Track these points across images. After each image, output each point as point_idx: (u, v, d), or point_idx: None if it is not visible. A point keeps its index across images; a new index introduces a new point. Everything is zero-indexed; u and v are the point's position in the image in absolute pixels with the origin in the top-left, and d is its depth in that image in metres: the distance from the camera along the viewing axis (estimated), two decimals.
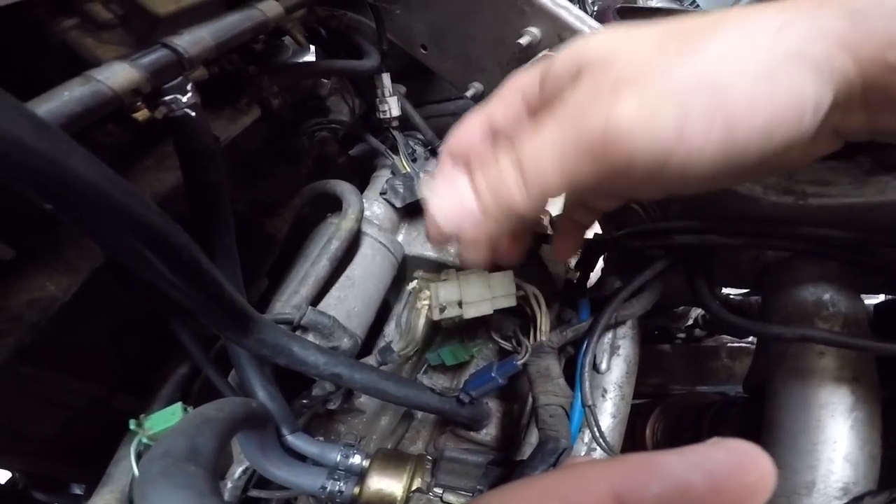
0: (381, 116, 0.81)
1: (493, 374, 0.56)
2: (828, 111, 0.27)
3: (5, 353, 0.39)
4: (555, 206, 0.72)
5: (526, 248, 0.45)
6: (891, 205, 0.50)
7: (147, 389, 0.58)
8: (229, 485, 0.56)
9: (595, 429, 0.59)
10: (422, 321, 0.57)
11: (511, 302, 0.57)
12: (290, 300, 0.59)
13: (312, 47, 0.68)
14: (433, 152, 0.85)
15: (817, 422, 0.54)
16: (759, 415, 0.62)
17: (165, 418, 0.49)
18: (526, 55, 0.64)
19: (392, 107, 0.80)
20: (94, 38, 0.36)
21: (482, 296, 0.56)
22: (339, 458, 0.54)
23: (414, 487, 0.53)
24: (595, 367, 0.66)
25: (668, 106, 0.27)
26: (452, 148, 0.39)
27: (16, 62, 0.35)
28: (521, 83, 0.37)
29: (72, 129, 0.30)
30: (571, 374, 0.62)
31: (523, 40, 0.62)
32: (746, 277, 0.68)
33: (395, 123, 0.82)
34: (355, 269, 0.66)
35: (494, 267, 0.53)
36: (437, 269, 0.75)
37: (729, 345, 1.16)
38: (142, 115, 0.37)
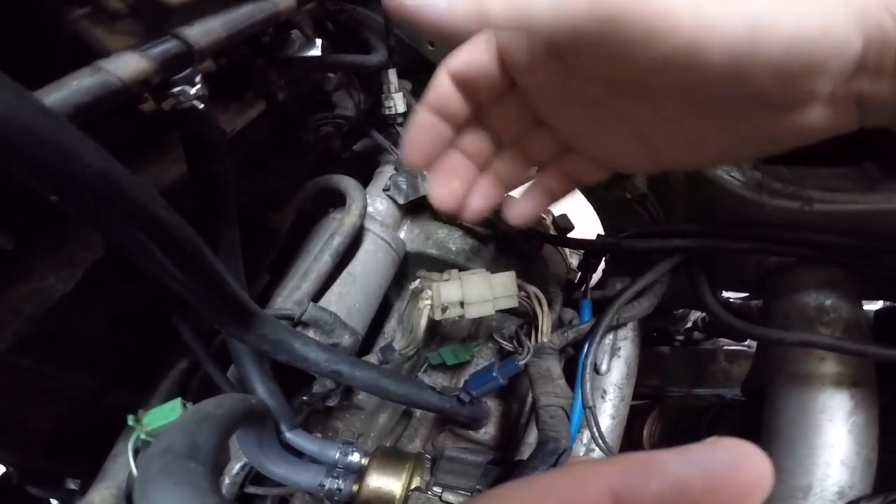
0: (387, 112, 0.80)
1: (494, 374, 0.56)
2: (855, 69, 0.26)
3: (3, 344, 0.38)
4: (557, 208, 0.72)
5: (495, 201, 0.39)
6: None
7: (145, 384, 0.58)
8: (227, 481, 0.55)
9: (594, 430, 0.59)
10: (423, 321, 0.57)
11: (513, 302, 0.57)
12: (291, 295, 0.59)
13: (319, 41, 0.67)
14: None
15: (816, 426, 0.55)
16: (757, 418, 0.62)
17: (164, 414, 0.49)
18: None
19: (398, 103, 0.80)
20: (104, 28, 0.35)
21: (484, 296, 0.56)
22: (337, 455, 0.53)
23: (413, 486, 0.52)
24: (595, 369, 0.66)
25: None
26: None
27: (26, 51, 0.34)
28: None
29: (80, 119, 0.30)
30: (571, 375, 0.62)
31: None
32: (749, 281, 0.68)
33: (400, 120, 0.82)
34: (357, 265, 0.66)
35: (451, 219, 0.46)
36: (440, 266, 0.75)
37: (727, 348, 1.16)
38: (147, 106, 0.37)
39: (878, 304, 0.77)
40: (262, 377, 0.51)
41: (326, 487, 0.52)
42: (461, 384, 0.59)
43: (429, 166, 0.35)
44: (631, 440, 0.95)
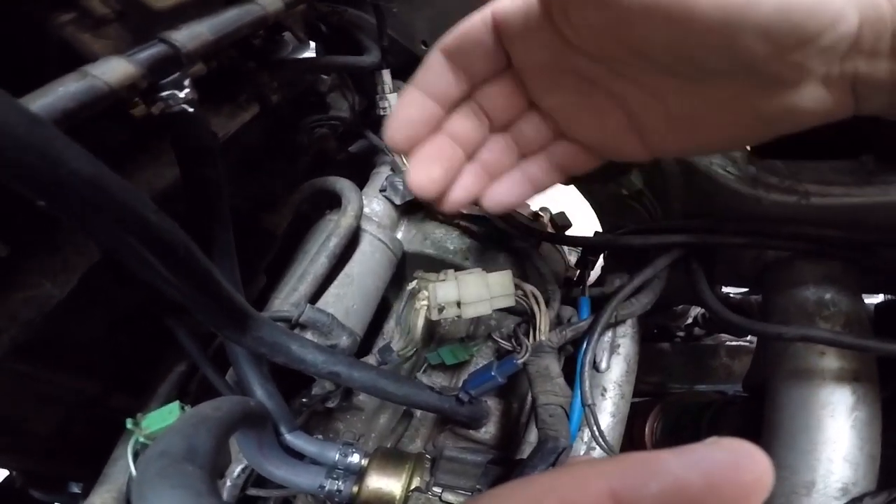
0: (382, 113, 0.80)
1: (492, 373, 0.56)
2: (850, 48, 0.26)
3: (1, 350, 0.38)
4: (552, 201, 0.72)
5: (477, 195, 0.36)
6: (893, 205, 0.49)
7: (144, 388, 0.58)
8: (228, 483, 0.55)
9: (594, 428, 0.59)
10: (420, 321, 0.57)
11: (510, 301, 0.57)
12: (288, 297, 0.59)
13: (312, 43, 0.67)
14: None
15: (817, 422, 0.54)
16: (758, 414, 0.62)
17: (162, 417, 0.49)
18: None
19: (392, 103, 0.80)
20: (90, 32, 0.35)
21: (480, 295, 0.56)
22: (337, 456, 0.53)
23: (413, 486, 0.52)
24: (595, 366, 0.66)
25: None
26: None
27: (12, 57, 0.34)
28: None
29: (67, 125, 0.30)
30: (571, 373, 0.61)
31: None
32: (747, 276, 0.67)
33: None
34: (354, 266, 0.66)
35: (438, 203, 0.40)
36: (438, 266, 0.75)
37: (728, 343, 1.16)
38: (138, 111, 0.37)
39: (878, 298, 0.76)
40: (261, 379, 0.51)
41: (326, 489, 0.52)
42: (461, 384, 0.59)
43: (412, 148, 0.33)
44: (632, 438, 0.95)
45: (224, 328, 0.42)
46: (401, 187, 0.76)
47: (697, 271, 0.63)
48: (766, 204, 0.55)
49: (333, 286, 0.63)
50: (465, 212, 0.76)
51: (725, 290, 1.02)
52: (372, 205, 0.75)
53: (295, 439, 0.53)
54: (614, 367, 0.66)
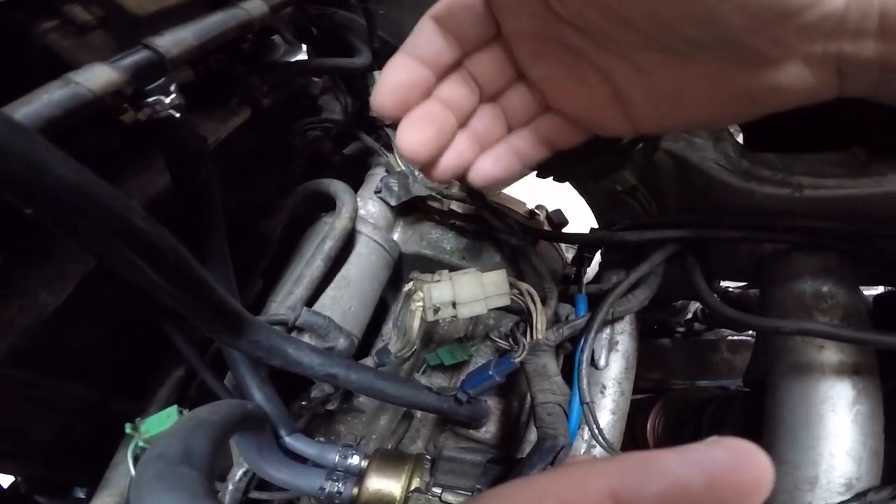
0: (375, 114, 0.80)
1: (490, 373, 0.56)
2: (835, 28, 0.25)
3: None
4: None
5: (468, 162, 0.36)
6: (887, 196, 0.49)
7: (143, 392, 0.58)
8: (230, 487, 0.55)
9: (594, 426, 0.59)
10: (416, 323, 0.57)
11: (505, 301, 0.57)
12: (284, 301, 0.59)
13: (304, 46, 0.67)
14: None
15: (818, 416, 0.54)
16: (760, 409, 0.61)
17: (161, 421, 0.49)
18: None
19: None
20: (74, 40, 0.35)
21: (476, 295, 0.55)
22: (337, 458, 0.54)
23: (413, 487, 0.52)
24: (593, 364, 0.65)
25: None
26: None
27: None
28: None
29: (51, 133, 0.30)
30: (570, 370, 0.61)
31: None
32: (744, 270, 0.67)
33: (388, 121, 0.82)
34: (350, 268, 0.66)
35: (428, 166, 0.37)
36: (435, 266, 0.75)
37: (729, 338, 1.16)
38: (128, 117, 0.37)
39: (878, 290, 0.76)
40: (259, 383, 0.51)
41: (327, 491, 0.52)
42: (460, 384, 0.59)
43: (402, 114, 0.32)
44: (634, 435, 0.95)
45: (219, 333, 0.42)
46: (396, 188, 0.76)
47: (693, 266, 0.62)
48: (760, 197, 0.55)
49: (330, 288, 0.63)
50: (460, 211, 0.76)
51: (725, 284, 1.01)
52: (367, 206, 0.76)
53: (294, 442, 0.53)
54: (613, 364, 0.66)
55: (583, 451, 0.62)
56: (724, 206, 0.57)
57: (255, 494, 0.58)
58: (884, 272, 0.62)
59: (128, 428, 0.48)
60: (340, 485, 0.53)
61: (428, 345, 0.73)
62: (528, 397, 0.68)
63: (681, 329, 1.20)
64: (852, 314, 0.57)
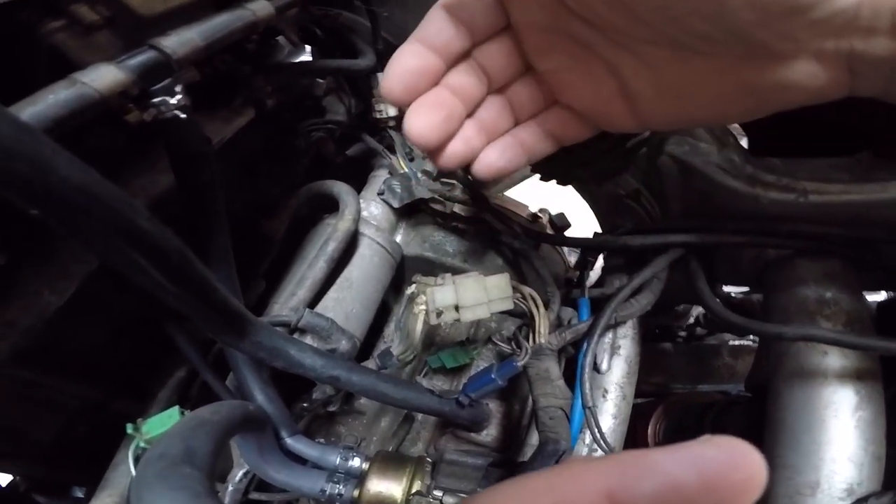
0: (378, 116, 0.81)
1: (492, 376, 0.56)
2: (846, 24, 0.25)
3: (1, 357, 0.39)
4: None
5: (475, 150, 0.35)
6: (892, 202, 0.49)
7: (145, 393, 0.58)
8: (230, 488, 0.55)
9: (595, 430, 0.59)
10: (419, 326, 0.57)
11: (508, 305, 0.57)
12: (287, 302, 0.59)
13: (308, 47, 0.67)
14: None
15: (821, 422, 0.54)
16: (762, 414, 0.61)
17: (163, 422, 0.49)
18: None
19: (389, 106, 0.80)
20: (80, 40, 0.35)
21: (478, 299, 0.55)
22: (338, 460, 0.53)
23: (413, 490, 0.52)
24: (595, 368, 0.65)
25: None
26: None
27: (3, 65, 0.34)
28: None
29: (57, 133, 0.30)
30: (572, 374, 0.61)
31: None
32: (747, 275, 0.67)
33: (391, 123, 0.82)
34: (353, 270, 0.66)
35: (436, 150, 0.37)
36: (437, 269, 0.75)
37: (731, 343, 1.15)
38: (133, 116, 0.37)
39: (881, 296, 0.76)
40: (261, 384, 0.51)
41: (327, 492, 0.52)
42: (461, 387, 0.59)
43: (410, 99, 0.32)
44: (635, 439, 0.94)
45: (222, 334, 0.42)
46: (399, 190, 0.76)
47: (697, 271, 0.62)
48: (765, 202, 0.54)
49: (332, 290, 0.63)
50: (462, 213, 0.76)
51: (727, 289, 1.01)
52: (370, 208, 0.76)
53: (295, 443, 0.53)
54: (615, 368, 0.66)
55: (584, 455, 0.62)
56: (729, 211, 0.57)
57: (254, 495, 0.57)
58: (887, 278, 0.62)
59: (129, 428, 0.48)
60: (341, 487, 0.52)
61: (429, 348, 0.72)
62: (530, 401, 0.68)
63: (682, 333, 1.20)
64: (856, 320, 0.56)
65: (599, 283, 0.75)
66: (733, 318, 0.58)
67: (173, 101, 0.39)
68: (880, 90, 0.28)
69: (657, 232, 0.63)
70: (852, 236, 0.53)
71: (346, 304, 0.63)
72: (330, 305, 0.62)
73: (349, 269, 0.66)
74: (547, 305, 0.62)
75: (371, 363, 0.63)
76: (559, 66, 0.34)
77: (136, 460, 0.48)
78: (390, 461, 0.54)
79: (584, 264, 0.73)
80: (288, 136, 0.75)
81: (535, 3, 0.31)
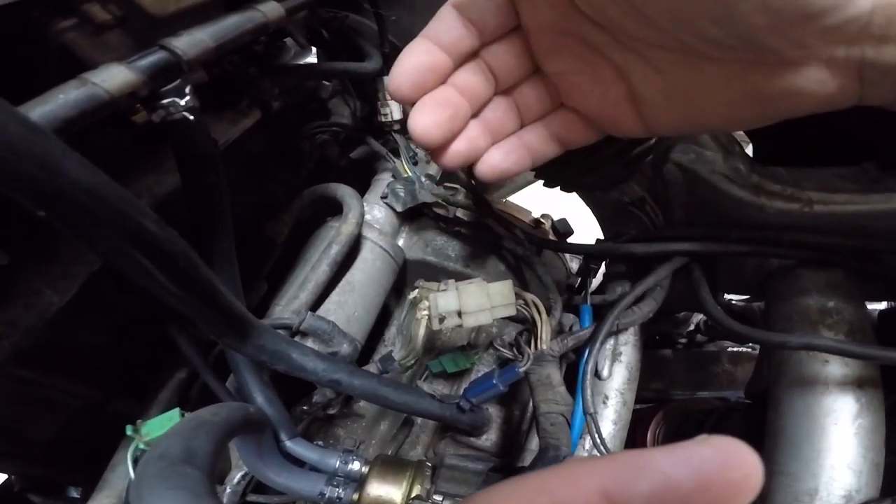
0: (383, 119, 0.81)
1: (494, 382, 0.56)
2: (859, 32, 0.25)
3: (2, 356, 0.38)
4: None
5: (479, 150, 0.35)
6: None
7: (145, 394, 0.58)
8: (228, 490, 0.55)
9: (596, 436, 0.58)
10: (421, 331, 0.57)
11: (511, 311, 0.57)
12: (289, 305, 0.59)
13: (314, 49, 0.67)
14: None
15: (821, 429, 0.54)
16: (761, 421, 0.61)
17: (163, 423, 0.48)
18: None
19: (394, 110, 0.80)
20: (91, 39, 0.35)
21: (481, 305, 0.55)
22: (338, 463, 0.53)
23: (413, 494, 0.52)
24: (597, 374, 0.65)
25: None
26: None
27: (13, 64, 0.34)
28: None
29: (67, 133, 0.29)
30: (573, 380, 0.61)
31: None
32: (750, 284, 0.67)
33: (396, 127, 0.82)
34: (355, 273, 0.66)
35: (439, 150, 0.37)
36: (439, 273, 0.75)
37: (730, 350, 1.15)
38: (140, 117, 0.37)
39: (882, 305, 0.76)
40: (261, 386, 0.51)
41: (327, 496, 0.52)
42: (462, 392, 0.58)
43: (417, 97, 0.32)
44: (635, 445, 0.94)
45: (224, 336, 0.41)
46: (402, 194, 0.76)
47: (700, 279, 0.62)
48: (769, 212, 0.54)
49: (334, 293, 0.63)
50: (465, 218, 0.76)
51: (728, 297, 1.01)
52: (373, 212, 0.76)
53: (295, 446, 0.53)
54: (616, 374, 0.66)
55: None
56: (733, 220, 0.57)
57: (252, 498, 0.57)
58: (889, 288, 0.62)
59: (129, 430, 0.48)
60: (341, 490, 0.52)
61: (430, 352, 0.72)
62: (530, 406, 0.68)
63: (683, 340, 1.20)
64: (857, 329, 0.57)
65: (601, 289, 0.75)
66: (736, 327, 0.58)
67: (182, 102, 0.39)
68: (890, 99, 0.28)
69: (661, 240, 0.63)
70: (856, 247, 0.53)
71: (348, 308, 0.63)
72: (332, 308, 0.62)
73: (351, 272, 0.66)
74: (549, 312, 0.62)
75: (372, 367, 0.62)
76: (567, 68, 0.34)
77: (135, 462, 0.47)
78: (390, 465, 0.54)
79: (587, 271, 0.73)
80: (293, 139, 0.75)
81: (546, 3, 0.31)
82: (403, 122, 0.82)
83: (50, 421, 0.59)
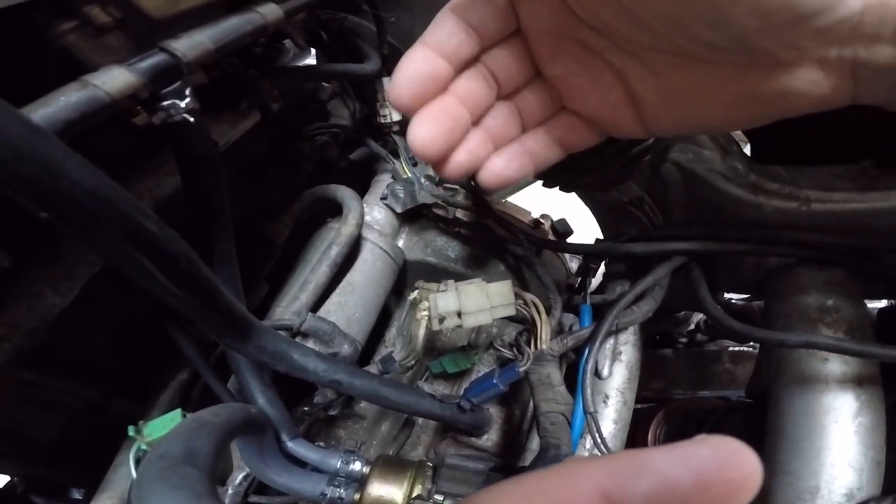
0: (382, 121, 0.81)
1: (494, 381, 0.56)
2: (851, 32, 0.25)
3: (3, 357, 0.39)
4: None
5: (480, 161, 0.35)
6: (894, 211, 0.49)
7: (146, 395, 0.58)
8: (230, 491, 0.55)
9: (596, 435, 0.59)
10: (422, 332, 0.57)
11: (510, 311, 0.57)
12: (290, 306, 0.59)
13: (313, 50, 0.67)
14: None
15: (822, 427, 0.54)
16: (762, 420, 0.61)
17: (164, 424, 0.49)
18: None
19: (393, 111, 0.80)
20: (92, 41, 0.35)
21: (481, 305, 0.56)
22: (339, 464, 0.53)
23: (414, 494, 0.52)
24: (597, 373, 0.65)
25: None
26: None
27: (14, 66, 0.34)
28: None
29: (68, 135, 0.30)
30: (573, 379, 0.61)
31: None
32: (749, 283, 0.67)
33: (396, 128, 0.82)
34: (356, 274, 0.66)
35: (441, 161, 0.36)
36: (439, 274, 0.75)
37: (731, 349, 1.15)
38: (141, 119, 0.37)
39: (882, 303, 0.76)
40: (262, 387, 0.51)
41: (328, 496, 0.52)
42: (462, 392, 0.59)
43: (418, 106, 0.32)
44: (635, 444, 0.94)
45: (225, 337, 0.42)
46: (402, 195, 0.76)
47: (699, 278, 0.62)
48: (767, 210, 0.55)
49: (335, 294, 0.63)
50: (465, 219, 0.76)
51: (728, 295, 1.01)
52: (373, 213, 0.76)
53: (296, 447, 0.53)
54: (616, 374, 0.66)
55: None
56: (731, 219, 0.57)
57: (254, 499, 0.57)
58: (888, 286, 0.62)
59: (131, 430, 0.48)
60: (342, 490, 0.52)
61: (431, 353, 0.72)
62: (530, 406, 0.68)
63: (683, 339, 1.20)
64: (856, 327, 0.57)
65: (600, 289, 0.75)
66: (736, 326, 0.58)
67: (183, 104, 0.39)
68: (884, 98, 0.29)
69: (660, 239, 0.64)
70: (854, 245, 0.53)
71: (349, 309, 0.63)
72: (332, 309, 0.62)
73: (352, 273, 0.66)
74: (549, 311, 0.62)
75: (373, 367, 0.63)
76: (568, 71, 0.35)
77: (137, 462, 0.47)
78: (391, 465, 0.54)
79: (586, 271, 0.73)
80: (292, 140, 0.76)
81: (545, 8, 0.31)
82: (403, 123, 0.82)
83: (51, 422, 0.59)
